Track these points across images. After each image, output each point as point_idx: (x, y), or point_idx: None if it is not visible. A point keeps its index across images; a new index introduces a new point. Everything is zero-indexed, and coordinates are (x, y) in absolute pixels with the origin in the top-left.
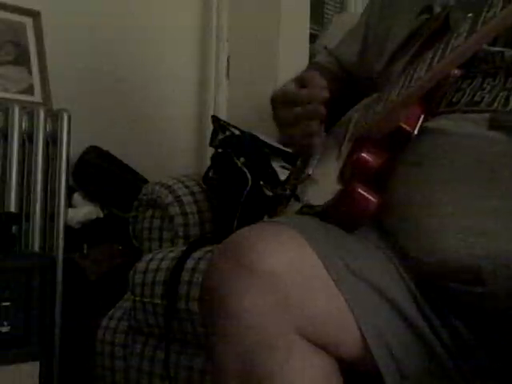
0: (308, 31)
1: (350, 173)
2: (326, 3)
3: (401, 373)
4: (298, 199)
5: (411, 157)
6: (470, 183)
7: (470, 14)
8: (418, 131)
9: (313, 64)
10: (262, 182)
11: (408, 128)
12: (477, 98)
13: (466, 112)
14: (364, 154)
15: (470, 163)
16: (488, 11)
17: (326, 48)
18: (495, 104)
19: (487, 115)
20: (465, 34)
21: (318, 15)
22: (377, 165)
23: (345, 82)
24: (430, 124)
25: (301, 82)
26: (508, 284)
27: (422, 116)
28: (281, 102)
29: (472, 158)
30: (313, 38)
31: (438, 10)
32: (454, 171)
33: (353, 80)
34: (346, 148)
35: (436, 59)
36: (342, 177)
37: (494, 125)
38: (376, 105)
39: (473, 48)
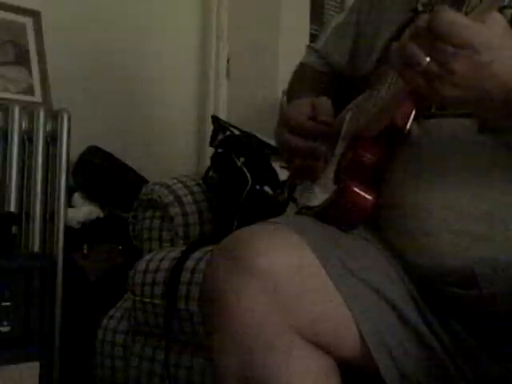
0: (308, 31)
1: (346, 172)
2: (325, 3)
3: (401, 373)
4: (295, 201)
5: (404, 161)
6: (462, 187)
7: None
8: (411, 135)
9: (303, 67)
10: (258, 187)
11: (400, 124)
12: None
13: (456, 116)
14: (359, 153)
15: (462, 168)
16: (467, 6)
17: (311, 47)
18: None
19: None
20: None
21: (318, 15)
22: (372, 163)
23: (337, 83)
24: (422, 128)
25: (312, 107)
26: (505, 287)
27: (414, 111)
28: (291, 127)
29: (463, 162)
30: (313, 37)
31: (420, 8)
32: (447, 176)
33: (344, 79)
34: (340, 148)
35: None
36: (338, 176)
37: (482, 129)
38: (367, 103)
39: None
